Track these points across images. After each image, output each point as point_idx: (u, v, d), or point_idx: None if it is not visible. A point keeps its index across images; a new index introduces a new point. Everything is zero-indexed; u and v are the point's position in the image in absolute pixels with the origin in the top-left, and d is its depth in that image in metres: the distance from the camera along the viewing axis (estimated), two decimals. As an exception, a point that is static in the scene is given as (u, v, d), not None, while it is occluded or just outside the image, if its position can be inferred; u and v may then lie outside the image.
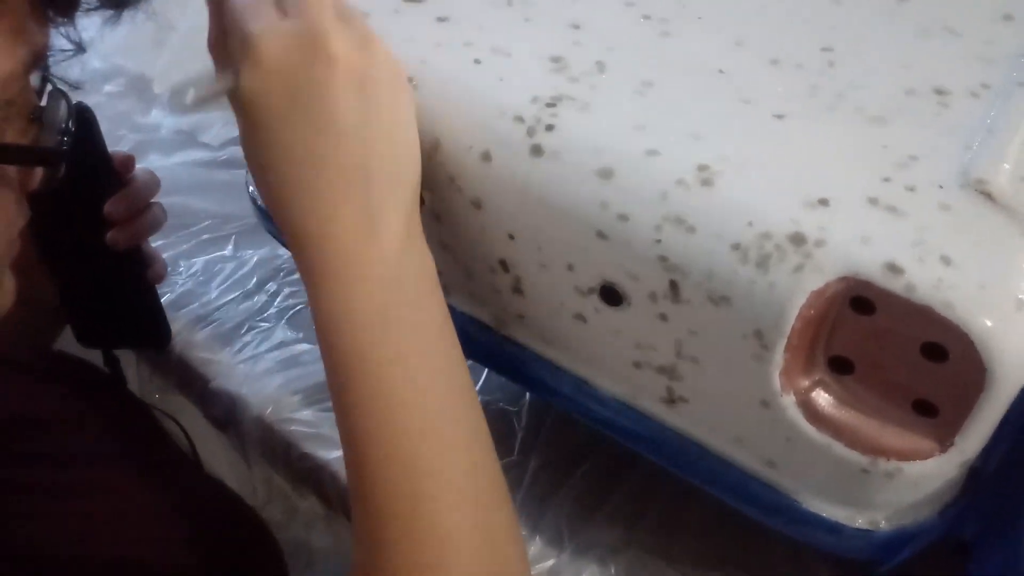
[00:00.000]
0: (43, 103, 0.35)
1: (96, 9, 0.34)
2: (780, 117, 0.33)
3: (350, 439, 0.31)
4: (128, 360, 0.53)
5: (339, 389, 0.31)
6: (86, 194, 0.45)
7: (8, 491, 0.34)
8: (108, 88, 0.68)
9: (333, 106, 0.31)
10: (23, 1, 0.30)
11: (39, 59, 0.32)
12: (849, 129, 0.33)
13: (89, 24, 0.81)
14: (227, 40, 0.34)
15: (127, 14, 0.37)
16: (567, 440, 0.46)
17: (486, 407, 0.49)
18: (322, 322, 0.31)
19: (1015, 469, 0.33)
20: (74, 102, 0.45)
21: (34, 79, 0.34)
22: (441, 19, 0.38)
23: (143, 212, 0.46)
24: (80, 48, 0.35)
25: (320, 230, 0.31)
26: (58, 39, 0.35)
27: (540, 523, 0.44)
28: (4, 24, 0.30)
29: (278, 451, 0.47)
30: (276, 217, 0.33)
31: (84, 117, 0.45)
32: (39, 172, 0.35)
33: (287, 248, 0.34)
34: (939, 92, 0.35)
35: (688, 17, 0.39)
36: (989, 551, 0.34)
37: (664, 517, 0.44)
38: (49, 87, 0.35)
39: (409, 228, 0.32)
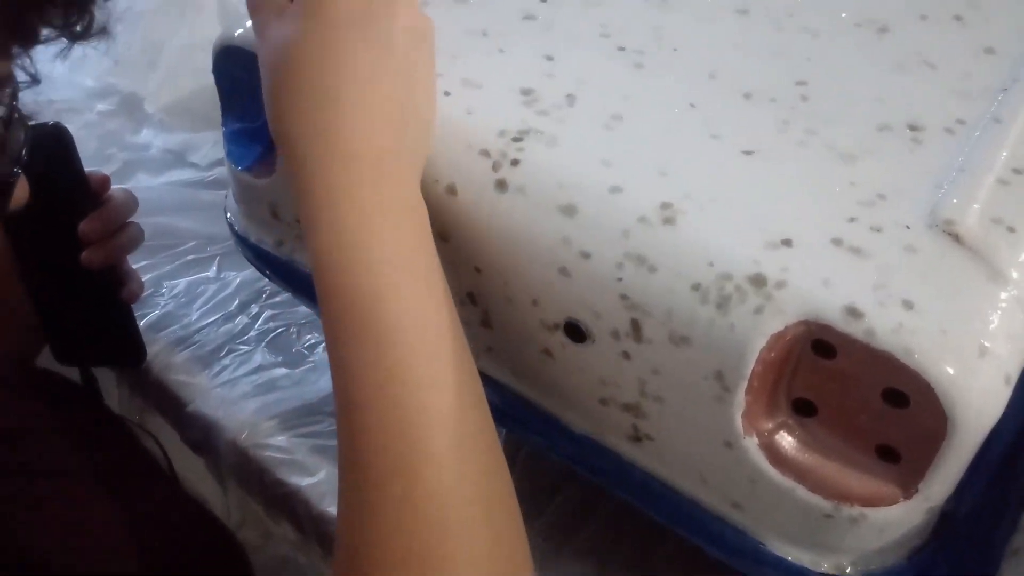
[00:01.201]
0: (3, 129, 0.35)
1: (52, 40, 0.34)
2: (748, 153, 0.33)
3: (346, 388, 0.30)
4: (110, 381, 0.53)
5: (337, 336, 0.30)
6: (61, 214, 0.45)
7: None
8: (100, 107, 0.68)
9: (392, 31, 0.31)
10: None
11: None
12: (818, 166, 0.33)
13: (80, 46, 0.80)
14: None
15: (109, 36, 0.37)
16: (541, 472, 0.46)
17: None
18: (324, 262, 0.30)
19: (987, 513, 0.33)
20: (52, 122, 0.46)
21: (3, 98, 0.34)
22: (414, 49, 0.38)
23: (119, 232, 0.47)
24: (35, 80, 0.35)
25: (345, 154, 0.30)
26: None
27: (513, 555, 0.43)
28: None
29: (252, 476, 0.46)
30: (289, 142, 0.31)
31: (60, 137, 0.45)
32: None
33: (293, 172, 0.31)
34: (913, 128, 0.34)
35: (663, 48, 0.38)
36: (960, 596, 0.33)
37: (637, 551, 0.43)
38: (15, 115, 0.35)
39: (419, 175, 0.32)
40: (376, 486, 0.29)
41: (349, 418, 0.30)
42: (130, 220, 0.47)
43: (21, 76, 0.34)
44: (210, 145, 0.65)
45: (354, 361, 0.30)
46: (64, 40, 0.35)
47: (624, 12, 0.40)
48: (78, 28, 0.34)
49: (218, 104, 0.43)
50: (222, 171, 0.63)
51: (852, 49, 0.39)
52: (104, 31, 0.36)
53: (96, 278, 0.47)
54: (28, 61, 0.34)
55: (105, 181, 0.47)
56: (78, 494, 0.39)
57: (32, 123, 0.45)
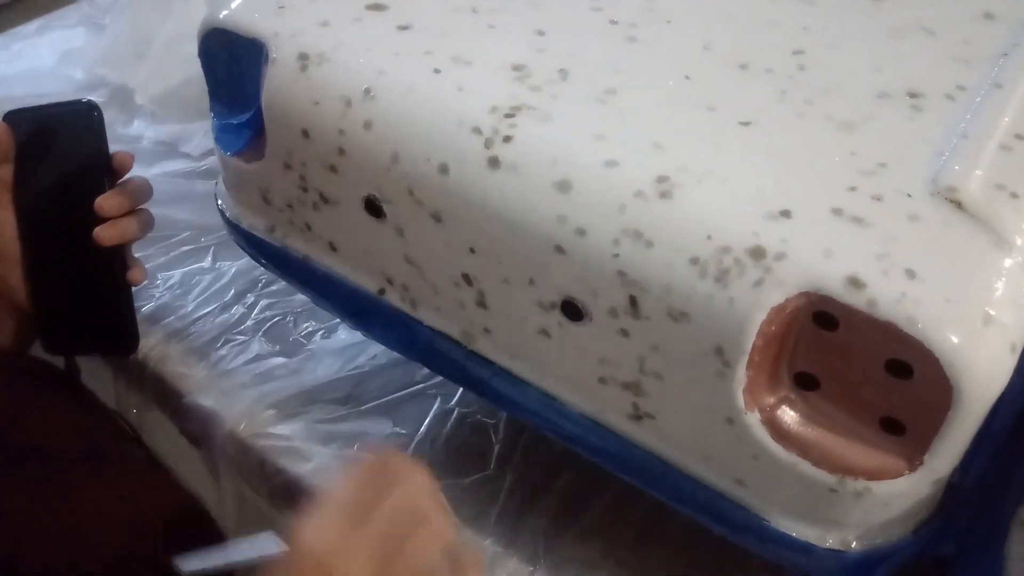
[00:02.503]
0: None
1: None
2: (746, 124, 0.32)
3: None
4: (106, 375, 0.53)
5: None
6: (80, 190, 0.45)
7: None
8: (91, 98, 0.67)
9: None
10: None
11: None
12: (817, 136, 0.32)
13: (73, 36, 0.80)
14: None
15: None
16: (544, 454, 0.45)
17: (464, 419, 0.49)
18: None
19: (994, 484, 0.32)
20: (85, 99, 0.46)
21: None
22: (403, 27, 0.37)
23: (132, 214, 0.47)
24: None
25: None
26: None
27: (516, 539, 0.43)
28: None
29: (252, 467, 0.46)
30: None
31: (88, 115, 0.46)
32: None
33: None
34: (912, 95, 0.34)
35: (656, 21, 0.38)
36: (967, 568, 0.33)
37: (641, 532, 0.43)
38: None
39: None
40: None
41: None
42: (143, 207, 0.47)
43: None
44: (202, 135, 0.64)
45: None
46: None
47: (616, -15, 0.39)
48: None
49: (206, 93, 0.42)
50: (215, 161, 0.62)
51: (849, 17, 0.39)
52: None
53: (101, 259, 0.46)
54: None
55: (128, 161, 0.47)
56: (69, 477, 0.39)
57: (64, 101, 0.45)
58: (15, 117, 0.46)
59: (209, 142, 0.63)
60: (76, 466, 0.40)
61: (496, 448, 0.46)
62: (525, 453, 0.46)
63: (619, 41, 0.36)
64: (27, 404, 0.42)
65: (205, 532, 0.43)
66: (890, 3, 0.39)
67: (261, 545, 0.32)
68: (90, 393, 0.49)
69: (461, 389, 0.48)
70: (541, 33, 0.37)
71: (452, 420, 0.47)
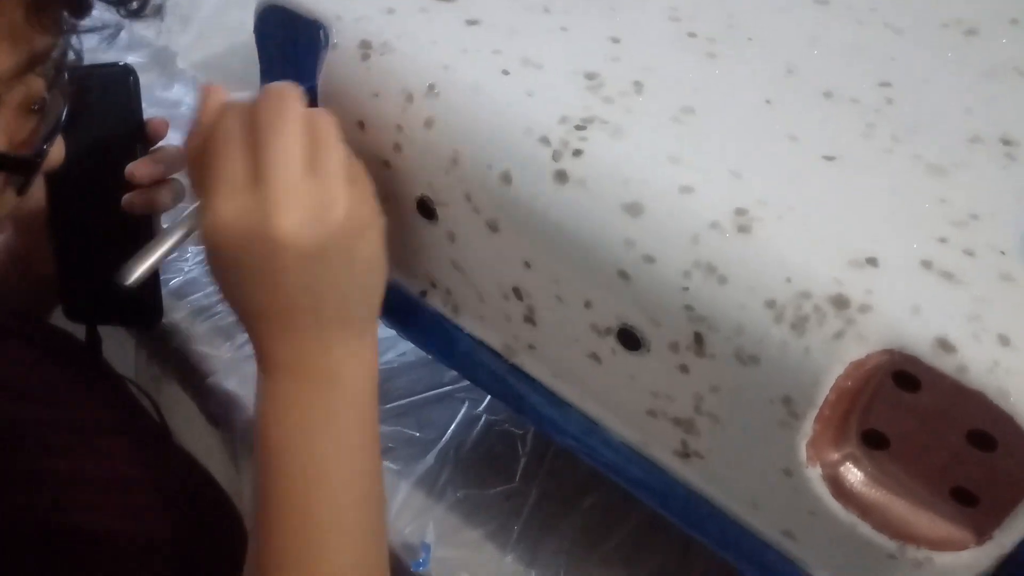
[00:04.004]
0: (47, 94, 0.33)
1: (99, 29, 0.33)
2: (829, 159, 0.30)
3: (263, 516, 0.33)
4: (128, 345, 0.52)
5: (262, 470, 0.33)
6: (112, 155, 0.44)
7: None
8: (130, 59, 0.65)
9: (278, 278, 0.31)
10: (16, 6, 0.29)
11: (36, 63, 0.31)
12: (904, 178, 0.30)
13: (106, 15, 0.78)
14: (202, 163, 0.33)
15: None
16: (572, 470, 0.44)
17: (491, 427, 0.47)
18: (260, 408, 0.34)
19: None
20: (121, 63, 0.45)
21: (47, 71, 0.33)
22: (471, 22, 0.35)
23: (164, 182, 0.45)
24: (78, 58, 0.34)
25: (268, 343, 0.33)
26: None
27: (536, 557, 0.42)
28: None
29: (271, 457, 0.45)
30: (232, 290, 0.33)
31: (123, 79, 0.44)
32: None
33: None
34: (1006, 142, 0.32)
35: (737, 38, 0.36)
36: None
37: (667, 563, 0.41)
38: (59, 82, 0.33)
39: (354, 368, 0.34)
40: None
41: (258, 533, 0.33)
42: (174, 176, 0.45)
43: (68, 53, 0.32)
44: (242, 105, 0.62)
45: (266, 491, 0.33)
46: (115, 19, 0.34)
47: (695, -6, 0.37)
48: (133, 3, 0.33)
49: (253, 62, 0.41)
50: (253, 133, 0.60)
51: (938, 51, 0.37)
52: (159, 9, 0.35)
53: (129, 228, 0.45)
54: (76, 38, 0.33)
55: (163, 128, 0.45)
56: (103, 448, 0.39)
57: (100, 64, 0.44)
58: None
59: (249, 114, 0.62)
60: (100, 439, 0.39)
61: (523, 461, 0.45)
62: (552, 467, 0.44)
63: (697, 56, 0.35)
64: (48, 374, 0.41)
65: (226, 512, 0.42)
66: (982, 40, 0.37)
67: (188, 220, 0.34)
68: (108, 365, 0.48)
69: (490, 396, 0.47)
70: (616, 40, 0.35)
71: (479, 427, 0.46)
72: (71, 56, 0.34)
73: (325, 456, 0.33)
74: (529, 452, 0.45)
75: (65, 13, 0.31)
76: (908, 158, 0.31)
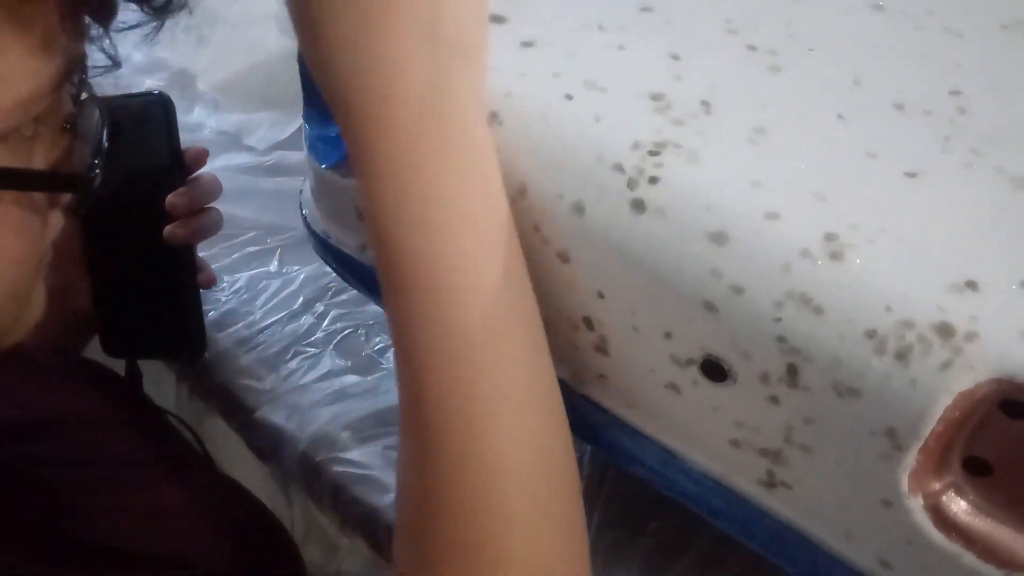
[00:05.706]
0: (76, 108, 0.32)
1: (134, 27, 0.31)
2: (911, 176, 0.30)
3: (402, 341, 0.29)
4: (168, 381, 0.51)
5: (390, 289, 0.29)
6: (150, 186, 0.43)
7: (35, 489, 0.34)
8: (149, 82, 0.65)
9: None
10: (53, 11, 0.27)
11: (72, 71, 0.30)
12: (990, 193, 0.29)
13: (131, 15, 0.77)
14: None
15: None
16: (634, 494, 0.43)
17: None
18: (372, 210, 0.28)
19: None
20: (156, 91, 0.44)
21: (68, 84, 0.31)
22: (526, 44, 0.34)
23: (202, 212, 0.45)
24: (116, 64, 0.32)
25: (379, 94, 0.28)
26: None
27: (604, 585, 0.41)
28: (33, 36, 0.27)
29: (325, 493, 0.44)
30: (326, 83, 0.29)
31: (160, 108, 0.44)
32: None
33: (337, 123, 0.29)
34: (1088, 151, 0.31)
35: (799, 49, 0.35)
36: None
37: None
38: (84, 94, 0.32)
39: (476, 113, 0.29)
40: (432, 441, 0.28)
41: (405, 372, 0.29)
42: (211, 205, 0.45)
43: (100, 59, 0.31)
44: (267, 126, 0.61)
45: (405, 315, 0.28)
46: (143, 19, 0.32)
47: (749, 3, 0.36)
48: (158, 1, 0.31)
49: (273, 81, 0.40)
50: (281, 155, 0.60)
51: (1003, 54, 0.36)
52: (186, 6, 0.33)
53: (169, 260, 0.44)
54: (108, 42, 0.31)
55: (202, 157, 0.45)
56: (146, 479, 0.38)
57: (134, 93, 0.43)
58: None
59: (275, 135, 0.61)
60: (144, 471, 0.39)
61: (582, 484, 0.44)
62: (612, 492, 0.44)
63: (761, 71, 0.34)
64: (103, 410, 0.41)
65: (282, 542, 0.41)
66: (1046, 40, 0.36)
67: None
68: (149, 399, 0.47)
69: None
70: (676, 57, 0.34)
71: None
72: (107, 65, 0.32)
73: (470, 247, 0.28)
74: (587, 476, 0.44)
75: (88, 19, 0.29)
76: (990, 171, 0.30)
